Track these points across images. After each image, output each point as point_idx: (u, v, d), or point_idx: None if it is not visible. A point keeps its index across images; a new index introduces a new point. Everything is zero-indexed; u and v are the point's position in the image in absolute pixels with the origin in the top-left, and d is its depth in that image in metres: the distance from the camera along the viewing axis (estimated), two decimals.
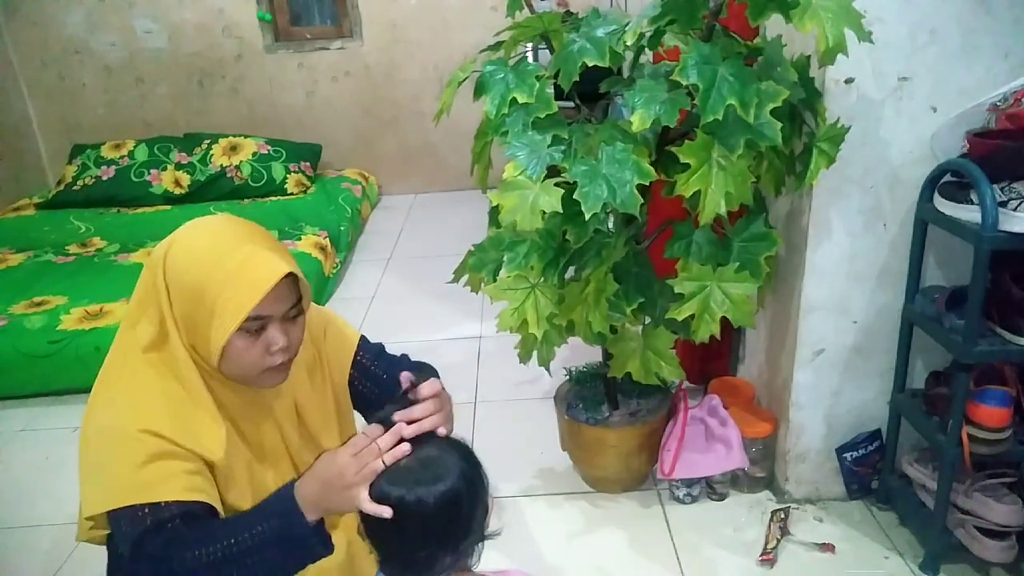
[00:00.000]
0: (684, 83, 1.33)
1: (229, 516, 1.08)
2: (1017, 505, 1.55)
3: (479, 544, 1.02)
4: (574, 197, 1.40)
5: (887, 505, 1.87)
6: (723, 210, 1.40)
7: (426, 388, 1.09)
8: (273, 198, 4.00)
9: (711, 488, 1.96)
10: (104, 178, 4.04)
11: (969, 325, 1.46)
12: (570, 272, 1.68)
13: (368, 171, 4.64)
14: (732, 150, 1.37)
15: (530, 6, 1.61)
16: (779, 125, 1.35)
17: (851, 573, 1.70)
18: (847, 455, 1.85)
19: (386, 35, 4.44)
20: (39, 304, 2.82)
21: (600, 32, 1.45)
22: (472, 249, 1.77)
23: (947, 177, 1.54)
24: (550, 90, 1.49)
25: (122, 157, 4.11)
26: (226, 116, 4.53)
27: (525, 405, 2.41)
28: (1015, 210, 1.37)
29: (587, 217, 1.40)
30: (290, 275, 1.06)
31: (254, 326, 1.05)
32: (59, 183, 4.11)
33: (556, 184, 1.44)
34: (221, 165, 4.07)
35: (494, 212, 1.63)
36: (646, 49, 1.52)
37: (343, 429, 1.30)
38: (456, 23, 4.40)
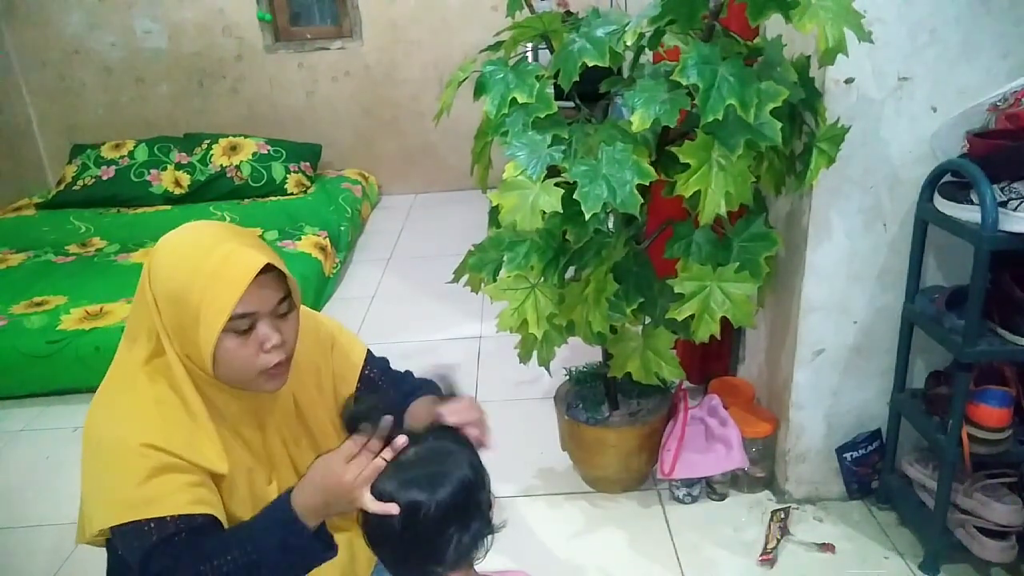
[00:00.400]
0: (684, 83, 1.33)
1: (233, 527, 1.08)
2: (1017, 505, 1.55)
3: (487, 537, 1.02)
4: (574, 197, 1.40)
5: (887, 505, 1.87)
6: (723, 210, 1.40)
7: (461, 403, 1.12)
8: (273, 198, 4.00)
9: (711, 488, 1.96)
10: (104, 178, 4.04)
11: (969, 325, 1.46)
12: (570, 272, 1.68)
13: (368, 171, 4.64)
14: (732, 150, 1.37)
15: (530, 6, 1.61)
16: (779, 125, 1.35)
17: (851, 573, 1.70)
18: (847, 455, 1.85)
19: (386, 35, 4.44)
20: (39, 304, 2.82)
21: (600, 32, 1.45)
22: (472, 249, 1.77)
23: (947, 177, 1.54)
24: (550, 90, 1.49)
25: (122, 157, 4.11)
26: (226, 116, 4.53)
27: (525, 405, 2.41)
28: (1015, 210, 1.37)
29: (587, 217, 1.40)
30: (275, 270, 1.05)
31: (243, 325, 1.03)
32: (59, 183, 4.11)
33: (556, 184, 1.44)
34: (221, 165, 4.07)
35: (494, 212, 1.63)
36: (646, 49, 1.52)
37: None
38: (456, 23, 4.40)
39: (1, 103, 4.29)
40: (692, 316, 1.53)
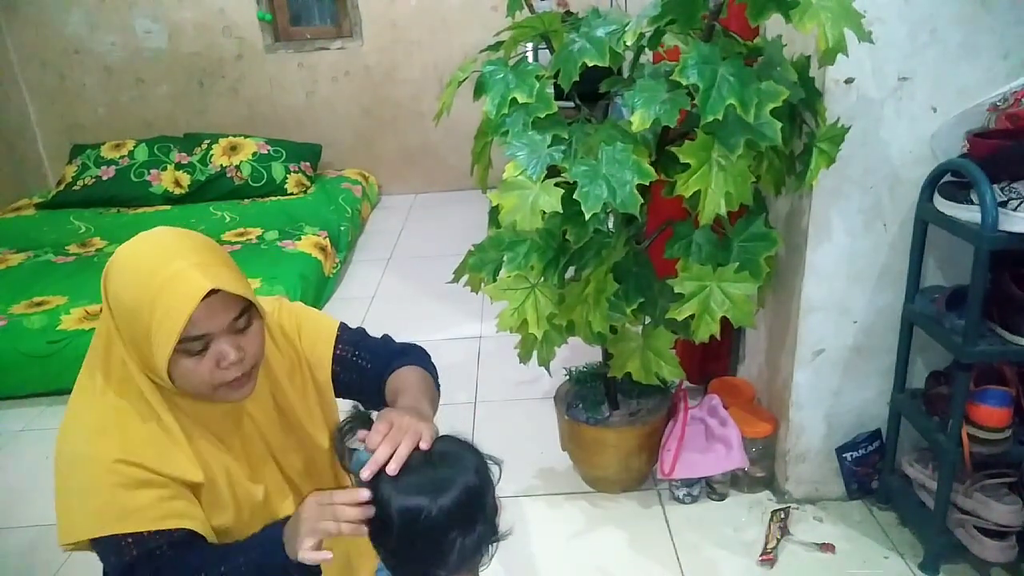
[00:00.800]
0: (684, 83, 1.33)
1: (221, 543, 1.07)
2: (1017, 505, 1.55)
3: (491, 543, 1.01)
4: (574, 197, 1.40)
5: (887, 505, 1.87)
6: (723, 210, 1.40)
7: (373, 437, 0.97)
8: (273, 198, 4.00)
9: (711, 488, 1.96)
10: (104, 178, 4.04)
11: (969, 325, 1.46)
12: (570, 272, 1.68)
13: (368, 171, 4.64)
14: (732, 150, 1.37)
15: (530, 6, 1.61)
16: (779, 125, 1.35)
17: (851, 573, 1.70)
18: (847, 455, 1.85)
19: (386, 35, 4.44)
20: (39, 304, 2.83)
21: (600, 32, 1.45)
22: (472, 249, 1.77)
23: (947, 177, 1.54)
24: (550, 90, 1.49)
25: (122, 157, 4.11)
26: (226, 116, 4.53)
27: (525, 405, 2.41)
28: (1015, 210, 1.37)
29: (587, 217, 1.40)
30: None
31: (196, 346, 0.99)
32: (59, 183, 4.11)
33: (556, 184, 1.43)
34: (221, 165, 4.07)
35: (494, 212, 1.63)
36: (646, 49, 1.52)
37: (330, 424, 1.26)
38: (456, 23, 4.40)
39: (1, 103, 4.29)
40: (692, 316, 1.53)
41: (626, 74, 1.66)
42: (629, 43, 1.42)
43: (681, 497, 1.95)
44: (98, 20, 4.35)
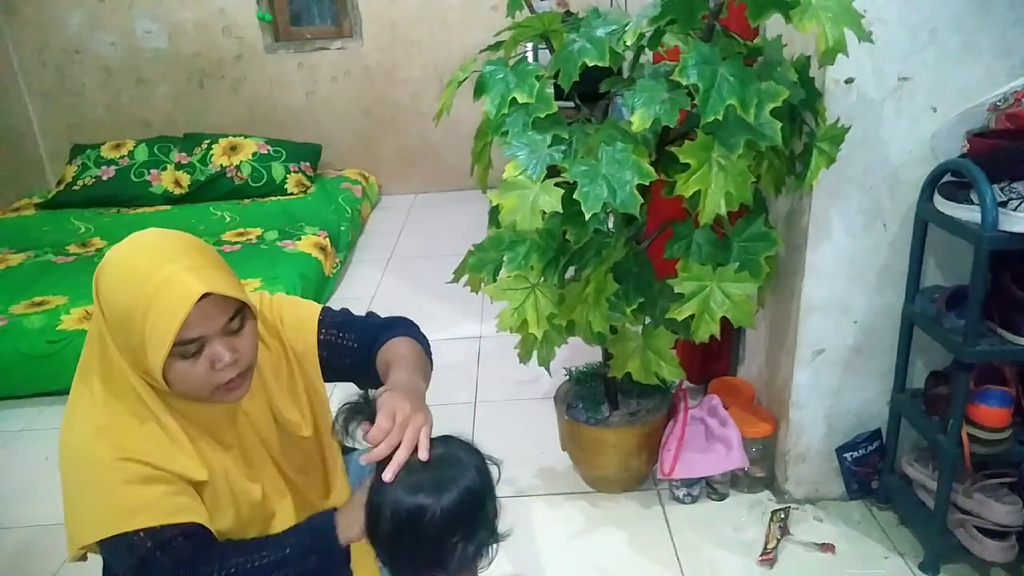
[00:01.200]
0: (684, 83, 1.32)
1: (256, 538, 1.08)
2: (1017, 505, 1.55)
3: (492, 545, 1.01)
4: (574, 197, 1.40)
5: (887, 505, 1.87)
6: (723, 210, 1.40)
7: (375, 434, 0.97)
8: (273, 198, 4.00)
9: (711, 488, 1.96)
10: (104, 178, 4.04)
11: (969, 325, 1.46)
12: (570, 272, 1.68)
13: (368, 171, 4.64)
14: (732, 150, 1.37)
15: (530, 6, 1.61)
16: (779, 125, 1.35)
17: (851, 573, 1.70)
18: (847, 455, 1.85)
19: (386, 35, 4.44)
20: (39, 304, 2.82)
21: (600, 32, 1.45)
22: (472, 249, 1.77)
23: (947, 177, 1.54)
24: (550, 90, 1.49)
25: (122, 157, 4.11)
26: (226, 116, 4.53)
27: (525, 405, 2.41)
28: (1015, 210, 1.37)
29: (587, 217, 1.40)
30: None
31: (190, 349, 0.99)
32: (59, 183, 4.11)
33: (556, 184, 1.43)
34: (221, 165, 4.07)
35: (494, 212, 1.63)
36: (646, 49, 1.52)
37: (317, 419, 1.26)
38: (456, 23, 4.40)
39: (1, 103, 4.29)
40: (692, 316, 1.53)
41: (626, 74, 1.66)
42: (629, 43, 1.42)
43: (681, 497, 1.95)
44: (98, 20, 4.35)
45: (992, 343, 1.48)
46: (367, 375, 1.23)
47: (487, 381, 2.57)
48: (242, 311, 1.05)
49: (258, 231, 3.60)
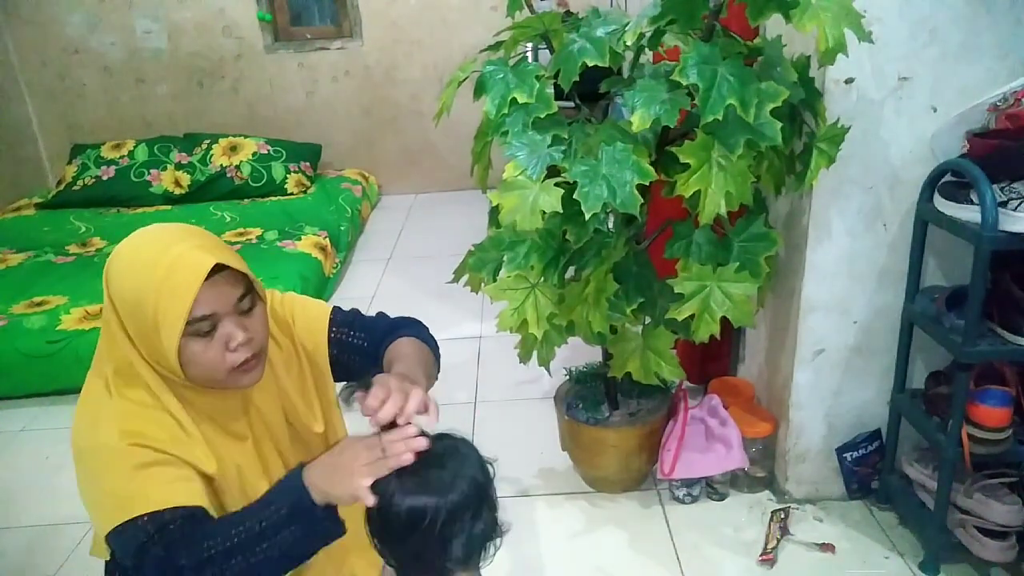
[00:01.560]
0: (684, 83, 1.33)
1: (238, 510, 1.05)
2: (1017, 505, 1.55)
3: (495, 539, 1.01)
4: (574, 197, 1.40)
5: (887, 505, 1.87)
6: (723, 210, 1.40)
7: (370, 402, 0.96)
8: (273, 198, 4.00)
9: (711, 488, 1.96)
10: (104, 178, 4.04)
11: (969, 325, 1.46)
12: (570, 272, 1.68)
13: (368, 171, 4.64)
14: (732, 150, 1.37)
15: (530, 6, 1.61)
16: (779, 125, 1.35)
17: (851, 573, 1.70)
18: (847, 455, 1.85)
19: (386, 35, 4.44)
20: (39, 304, 2.82)
21: (600, 32, 1.45)
22: (472, 249, 1.77)
23: (947, 177, 1.54)
24: (550, 90, 1.49)
25: (122, 157, 4.11)
26: (226, 116, 4.53)
27: (525, 405, 2.41)
28: (1015, 210, 1.37)
29: (587, 217, 1.40)
30: (231, 268, 1.02)
31: (204, 327, 1.01)
32: (59, 183, 4.11)
33: (556, 184, 1.43)
34: (221, 165, 4.07)
35: (494, 212, 1.63)
36: (646, 49, 1.52)
37: (327, 415, 1.26)
38: (456, 23, 4.40)
39: (1, 103, 4.29)
40: (692, 316, 1.53)
41: (626, 74, 1.66)
42: (629, 43, 1.42)
43: (681, 497, 1.95)
44: (98, 20, 4.35)
45: (992, 343, 1.48)
46: (374, 373, 1.23)
47: (487, 381, 2.57)
48: (251, 292, 1.07)
49: (258, 231, 3.60)
